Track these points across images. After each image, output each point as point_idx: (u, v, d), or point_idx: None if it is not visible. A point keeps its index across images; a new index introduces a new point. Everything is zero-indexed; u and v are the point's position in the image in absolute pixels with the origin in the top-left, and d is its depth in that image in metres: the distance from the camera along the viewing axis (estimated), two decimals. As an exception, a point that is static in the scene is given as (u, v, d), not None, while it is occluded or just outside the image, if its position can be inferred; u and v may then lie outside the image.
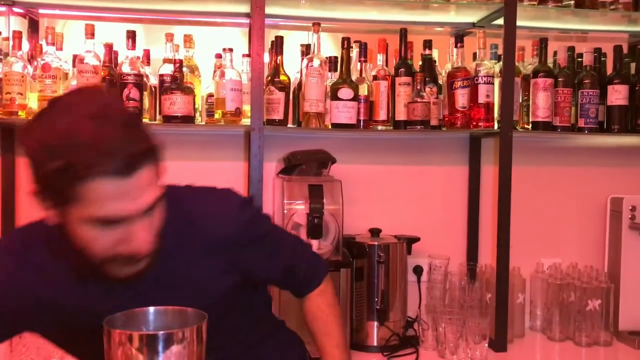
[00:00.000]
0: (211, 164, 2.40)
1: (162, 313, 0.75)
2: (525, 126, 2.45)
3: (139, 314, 0.73)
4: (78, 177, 1.00)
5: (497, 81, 2.34)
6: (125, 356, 0.68)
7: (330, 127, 2.26)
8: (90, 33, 2.11)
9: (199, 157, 2.41)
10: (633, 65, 2.52)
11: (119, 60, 2.23)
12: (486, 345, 2.19)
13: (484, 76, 2.33)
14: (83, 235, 1.07)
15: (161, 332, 0.68)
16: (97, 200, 1.02)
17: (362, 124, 2.30)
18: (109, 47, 2.22)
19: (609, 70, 2.49)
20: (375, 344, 2.26)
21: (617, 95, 2.41)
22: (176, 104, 2.13)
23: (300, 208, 2.15)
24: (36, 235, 1.23)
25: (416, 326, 2.34)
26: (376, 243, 2.28)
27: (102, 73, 2.13)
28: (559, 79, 2.38)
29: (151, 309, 0.74)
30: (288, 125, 2.31)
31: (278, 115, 2.25)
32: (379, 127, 2.34)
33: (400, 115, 2.31)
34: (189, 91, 2.17)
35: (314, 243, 2.10)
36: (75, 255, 1.10)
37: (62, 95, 1.21)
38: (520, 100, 2.44)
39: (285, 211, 2.17)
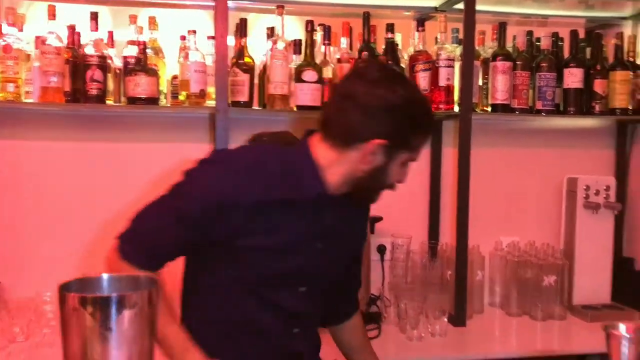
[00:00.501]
0: (176, 145, 2.40)
1: (116, 279, 0.77)
2: (485, 108, 2.50)
3: (93, 281, 0.75)
4: (425, 131, 1.44)
5: (458, 65, 2.39)
6: (79, 320, 0.70)
7: (295, 109, 2.28)
8: (52, 14, 2.09)
9: (164, 139, 2.41)
10: (589, 50, 2.59)
11: (82, 42, 2.22)
12: (446, 320, 2.26)
13: (445, 60, 2.37)
14: (391, 171, 1.44)
15: (114, 295, 0.70)
16: (420, 147, 1.45)
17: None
18: (71, 29, 2.21)
19: (567, 54, 2.56)
20: (339, 320, 2.31)
21: (573, 78, 2.48)
22: (140, 85, 2.13)
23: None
24: (276, 165, 1.41)
25: (379, 303, 2.39)
26: (340, 223, 2.31)
27: (65, 55, 2.12)
28: (518, 63, 2.44)
29: (104, 275, 0.76)
30: (253, 107, 2.33)
31: (243, 97, 2.26)
32: (343, 109, 2.37)
33: (364, 97, 2.33)
34: (153, 73, 2.17)
35: (279, 223, 2.13)
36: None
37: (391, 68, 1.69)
38: (480, 83, 2.49)
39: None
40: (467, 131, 2.32)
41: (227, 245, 1.40)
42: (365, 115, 1.34)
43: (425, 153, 2.61)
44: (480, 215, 2.52)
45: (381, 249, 2.55)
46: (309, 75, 2.23)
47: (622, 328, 1.01)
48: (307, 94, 2.24)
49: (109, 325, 0.72)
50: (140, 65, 2.14)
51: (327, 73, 2.32)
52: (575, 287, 2.52)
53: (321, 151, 1.41)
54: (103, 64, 2.13)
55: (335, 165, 1.40)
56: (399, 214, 2.56)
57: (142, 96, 2.13)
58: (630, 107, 2.52)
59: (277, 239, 1.41)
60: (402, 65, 2.43)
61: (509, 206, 2.69)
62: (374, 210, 2.47)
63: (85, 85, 2.11)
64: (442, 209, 2.61)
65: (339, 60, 2.35)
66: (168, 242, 1.41)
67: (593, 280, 2.54)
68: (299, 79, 2.24)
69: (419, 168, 2.60)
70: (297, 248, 1.45)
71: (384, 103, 1.34)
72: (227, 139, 2.16)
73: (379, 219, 2.42)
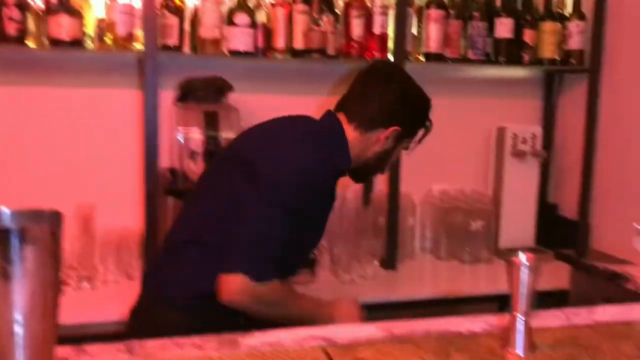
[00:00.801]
0: (103, 91, 2.32)
1: (18, 214, 0.74)
2: (419, 57, 2.51)
3: (-6, 215, 0.72)
4: (425, 125, 1.68)
5: (392, 13, 2.37)
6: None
7: (227, 53, 2.23)
8: (-37, -53, 1.96)
9: (90, 84, 2.31)
10: (520, 0, 2.61)
11: (-1, -21, 2.08)
12: (377, 264, 2.32)
13: (379, 7, 2.35)
14: (393, 156, 1.68)
15: (15, 227, 0.68)
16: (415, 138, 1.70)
17: (259, 51, 2.28)
18: (-14, -36, 2.07)
19: (498, 3, 2.58)
20: (273, 267, 2.32)
21: (504, 28, 2.51)
22: (63, 26, 2.03)
23: (196, 136, 2.14)
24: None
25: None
26: (274, 170, 2.30)
27: (-20, -9, 1.99)
28: (451, 11, 2.45)
29: (6, 209, 0.73)
30: (183, 52, 2.26)
31: (173, 41, 2.19)
32: (277, 56, 2.34)
33: (298, 43, 2.30)
34: (77, 14, 2.06)
35: (211, 169, 2.11)
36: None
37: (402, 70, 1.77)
38: (415, 32, 2.49)
39: (181, 139, 2.15)
40: (400, 79, 2.32)
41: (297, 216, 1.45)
42: (393, 104, 1.57)
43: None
44: (412, 164, 2.54)
45: (316, 197, 2.56)
46: (241, 18, 2.17)
47: (522, 257, 1.06)
48: (240, 38, 2.18)
49: (11, 259, 0.70)
50: (63, 5, 2.04)
51: (261, 17, 2.27)
52: (502, 231, 2.61)
53: (348, 131, 1.58)
54: (21, 2, 2.01)
55: (355, 144, 1.58)
56: (334, 162, 2.57)
57: (65, 38, 2.03)
58: (557, 58, 2.58)
59: (325, 206, 1.59)
60: (337, 11, 2.40)
61: (440, 155, 2.73)
62: (309, 158, 2.49)
63: (2, 23, 1.99)
64: (375, 157, 2.63)
65: (273, 5, 2.30)
66: (286, 240, 1.44)
67: (518, 225, 2.63)
68: (230, 22, 2.18)
69: (353, 116, 2.61)
70: (327, 215, 1.64)
71: (412, 95, 1.62)
72: (157, 84, 2.09)
73: (313, 166, 2.42)
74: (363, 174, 1.72)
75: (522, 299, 1.04)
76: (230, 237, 1.41)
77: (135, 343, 1.05)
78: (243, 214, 1.42)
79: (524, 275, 1.03)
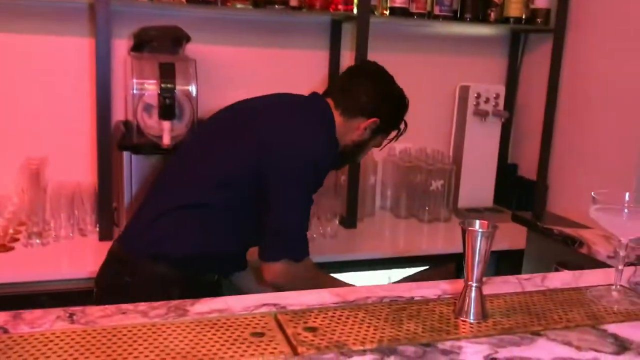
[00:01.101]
0: (53, 39, 2.19)
1: None
2: (384, 12, 2.44)
3: None
4: (398, 127, 1.78)
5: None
6: None
7: (185, 2, 2.12)
8: None
9: (40, 30, 2.18)
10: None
11: None
12: (337, 222, 2.29)
13: (345, -43, 2.26)
14: (367, 148, 1.79)
15: None
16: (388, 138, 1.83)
17: (219, 0, 2.18)
18: None
19: (466, -42, 2.51)
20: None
21: (471, -16, 2.45)
22: (7, -32, 1.89)
23: (152, 88, 2.05)
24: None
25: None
26: (234, 126, 2.24)
27: None
28: (418, -35, 2.37)
29: None
30: (138, -1, 2.15)
31: (127, -13, 2.07)
32: (238, 5, 2.23)
33: (260, -7, 2.21)
34: (21, -46, 1.93)
35: (166, 124, 2.03)
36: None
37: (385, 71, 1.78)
38: (381, -15, 2.41)
39: (136, 91, 2.05)
40: (364, 34, 2.26)
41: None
42: (377, 98, 1.69)
43: (323, 56, 2.54)
44: (375, 121, 2.52)
45: (276, 153, 2.50)
46: (199, -34, 2.06)
47: (477, 224, 1.04)
48: (198, -13, 2.07)
49: None
50: (6, -56, 1.89)
51: (220, -35, 2.16)
52: (461, 191, 2.61)
53: (336, 117, 1.68)
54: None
55: (338, 129, 1.67)
56: (295, 118, 2.52)
57: (9, -20, 1.90)
58: (524, 17, 2.54)
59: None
60: (301, -39, 2.30)
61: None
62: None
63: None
64: (337, 114, 2.58)
65: (233, -48, 2.18)
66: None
67: (478, 184, 2.64)
68: (188, -31, 2.07)
69: (317, 72, 2.54)
70: None
71: (395, 94, 1.74)
72: (109, 32, 1.98)
73: (274, 122, 2.36)
74: (339, 160, 1.79)
75: (475, 267, 1.02)
76: (264, 223, 1.54)
77: (77, 310, 1.01)
78: (276, 202, 1.53)
79: (478, 243, 1.01)
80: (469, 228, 1.02)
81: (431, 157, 2.54)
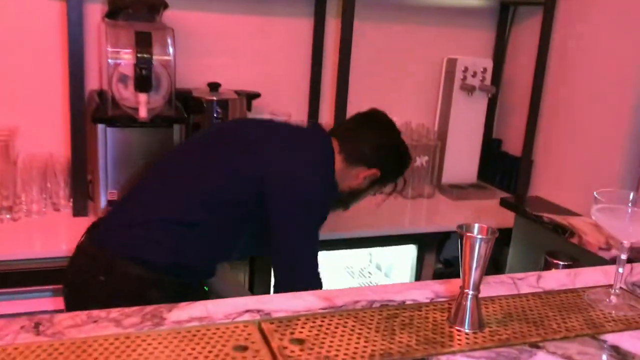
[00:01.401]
0: (21, 1, 2.03)
1: None
2: (372, -20, 2.31)
3: None
4: (396, 181, 1.78)
5: None
6: None
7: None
8: None
9: (6, -8, 2.02)
10: None
11: None
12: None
13: None
14: (363, 197, 1.74)
15: None
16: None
17: (198, -35, 2.03)
18: None
19: None
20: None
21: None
22: None
23: (127, 57, 1.91)
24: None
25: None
26: (214, 98, 2.12)
27: None
28: None
29: None
30: (112, -38, 1.98)
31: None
32: (218, -29, 2.09)
33: (242, -42, 2.06)
34: None
35: (142, 97, 1.90)
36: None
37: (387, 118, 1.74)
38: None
39: (110, 61, 1.91)
40: (351, 2, 2.15)
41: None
42: (382, 150, 1.64)
43: (307, 24, 2.40)
44: (359, 94, 2.41)
45: (257, 126, 2.39)
46: None
47: (476, 229, 0.96)
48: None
49: None
50: None
51: None
52: (446, 167, 2.53)
53: (337, 160, 1.62)
54: None
55: (338, 173, 1.61)
56: (278, 90, 2.40)
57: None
58: (514, -12, 2.43)
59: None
60: None
61: (388, 85, 2.59)
62: (252, 85, 2.30)
63: None
64: (322, 87, 2.47)
65: None
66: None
67: (462, 160, 2.56)
68: None
69: (301, 40, 2.42)
70: None
71: (400, 150, 1.69)
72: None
73: (257, 95, 2.25)
74: (332, 204, 1.72)
75: (473, 274, 0.95)
76: (275, 257, 1.50)
77: (43, 318, 0.91)
78: (284, 239, 1.49)
79: (477, 249, 0.93)
80: (467, 233, 0.94)
81: (416, 132, 2.45)
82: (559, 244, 1.59)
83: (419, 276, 2.25)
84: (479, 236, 0.94)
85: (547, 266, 1.49)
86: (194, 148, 1.66)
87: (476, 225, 0.96)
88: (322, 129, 1.71)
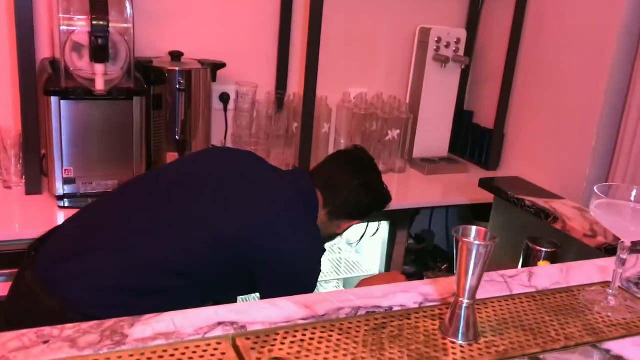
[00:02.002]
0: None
1: None
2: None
3: None
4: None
5: None
6: None
7: None
8: None
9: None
10: None
11: None
12: (289, 176, 2.08)
13: None
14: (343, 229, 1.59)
15: None
16: None
17: None
18: None
19: None
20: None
21: None
22: None
23: (82, 25, 1.72)
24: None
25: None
26: (177, 68, 1.96)
27: None
28: None
29: None
30: None
31: None
32: None
33: None
34: None
35: (99, 67, 1.72)
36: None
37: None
38: None
39: (63, 28, 1.72)
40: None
41: None
42: (367, 203, 1.55)
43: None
44: (329, 65, 2.27)
45: (224, 98, 2.23)
46: None
47: (473, 233, 0.85)
48: None
49: None
50: None
51: None
52: (417, 140, 2.43)
53: (320, 214, 1.50)
54: None
55: (320, 226, 1.48)
56: (245, 60, 2.24)
57: None
58: (490, -45, 2.29)
59: None
60: None
61: (359, 56, 2.45)
62: (217, 54, 2.13)
63: None
64: (291, 57, 2.31)
65: None
66: None
67: (434, 133, 2.46)
68: None
69: (269, 8, 2.24)
70: None
71: (383, 197, 1.61)
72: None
73: (222, 65, 2.08)
74: None
75: (468, 282, 0.84)
76: None
77: (-17, 340, 0.77)
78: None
79: (474, 256, 0.82)
80: (464, 239, 0.83)
81: (388, 104, 2.33)
82: (541, 229, 1.51)
83: (390, 253, 2.17)
84: (477, 242, 0.83)
85: (529, 252, 1.41)
86: (152, 190, 1.42)
87: (473, 229, 0.86)
88: (306, 180, 1.52)
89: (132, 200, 1.40)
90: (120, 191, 1.50)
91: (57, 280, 1.23)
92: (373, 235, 2.04)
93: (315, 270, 1.41)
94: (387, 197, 1.61)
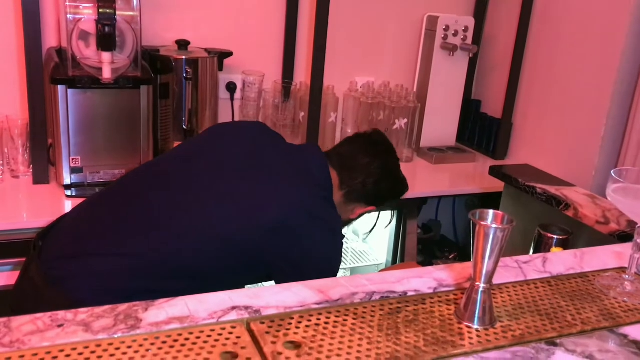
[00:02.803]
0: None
1: None
2: None
3: None
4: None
5: None
6: None
7: None
8: None
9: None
10: None
11: None
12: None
13: None
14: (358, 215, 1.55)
15: None
16: None
17: None
18: None
19: None
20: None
21: None
22: None
23: (88, 13, 1.71)
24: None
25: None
26: (184, 57, 1.95)
27: None
28: None
29: None
30: None
31: None
32: None
33: None
34: None
35: (106, 56, 1.71)
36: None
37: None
38: None
39: (70, 17, 1.71)
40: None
41: None
42: (384, 190, 1.52)
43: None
44: (336, 53, 2.26)
45: (231, 87, 2.22)
46: None
47: (490, 216, 0.84)
48: None
49: None
50: None
51: None
52: (425, 129, 2.42)
53: (336, 195, 1.47)
54: None
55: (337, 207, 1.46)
56: (252, 49, 2.22)
57: None
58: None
59: None
60: None
61: (366, 44, 2.43)
62: (224, 43, 2.12)
63: None
64: (297, 46, 2.29)
65: None
66: None
67: (442, 123, 2.45)
68: None
69: (275, -3, 2.23)
70: None
71: (401, 185, 1.59)
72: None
73: (229, 54, 2.07)
74: None
75: (485, 267, 0.84)
76: None
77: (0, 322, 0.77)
78: None
79: (491, 239, 0.81)
80: (482, 222, 0.82)
81: (395, 93, 2.31)
82: (553, 216, 1.50)
83: (398, 243, 2.16)
84: (494, 225, 0.82)
85: (541, 240, 1.40)
86: (162, 183, 1.37)
87: (491, 212, 0.85)
88: (323, 162, 1.46)
89: (139, 194, 1.36)
90: (125, 183, 1.44)
91: (62, 278, 1.21)
92: (387, 226, 2.03)
93: (336, 264, 1.38)
94: (405, 186, 1.59)
